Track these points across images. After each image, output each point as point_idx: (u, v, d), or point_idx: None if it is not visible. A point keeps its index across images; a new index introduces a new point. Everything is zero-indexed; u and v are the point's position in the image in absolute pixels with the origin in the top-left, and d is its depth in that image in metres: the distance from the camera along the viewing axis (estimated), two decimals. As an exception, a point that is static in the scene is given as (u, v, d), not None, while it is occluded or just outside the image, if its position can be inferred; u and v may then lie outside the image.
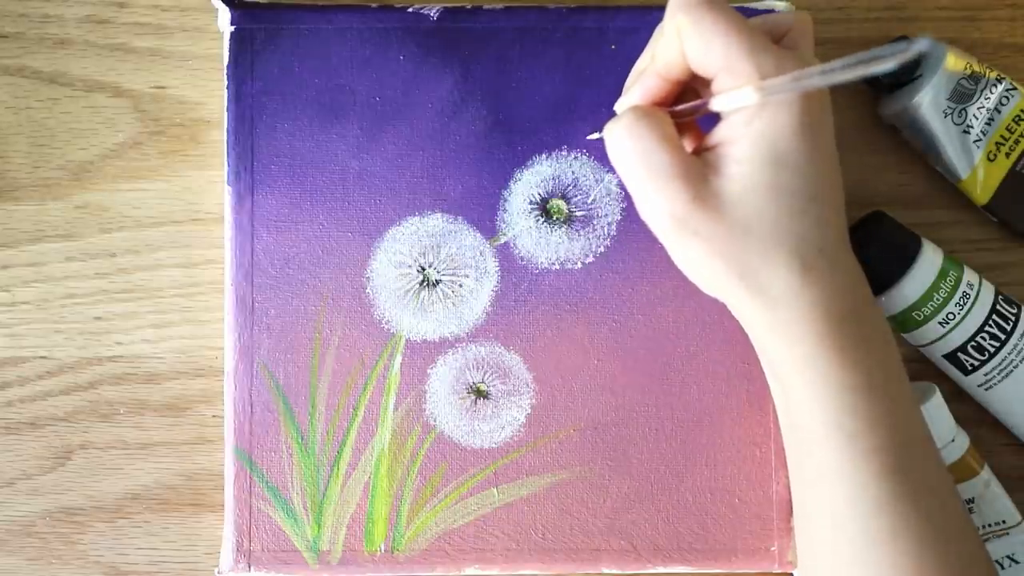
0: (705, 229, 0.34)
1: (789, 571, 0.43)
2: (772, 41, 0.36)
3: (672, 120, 0.36)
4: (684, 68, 0.35)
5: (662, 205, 0.35)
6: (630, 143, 0.35)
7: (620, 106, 0.37)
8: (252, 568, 0.42)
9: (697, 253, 0.35)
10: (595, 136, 0.43)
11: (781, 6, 0.43)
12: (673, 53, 0.35)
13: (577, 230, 0.43)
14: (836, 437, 0.35)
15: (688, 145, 0.39)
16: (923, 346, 0.44)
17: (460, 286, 0.43)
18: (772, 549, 0.42)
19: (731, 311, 0.37)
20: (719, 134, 0.35)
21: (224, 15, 0.43)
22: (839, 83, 0.31)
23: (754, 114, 0.33)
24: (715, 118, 0.35)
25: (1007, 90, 0.44)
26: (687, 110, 0.36)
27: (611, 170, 0.43)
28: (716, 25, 0.33)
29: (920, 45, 0.29)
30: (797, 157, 0.34)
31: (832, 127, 0.35)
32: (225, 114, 0.43)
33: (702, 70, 0.35)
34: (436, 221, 0.43)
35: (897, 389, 0.35)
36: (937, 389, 0.43)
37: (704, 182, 0.34)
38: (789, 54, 0.33)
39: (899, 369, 0.36)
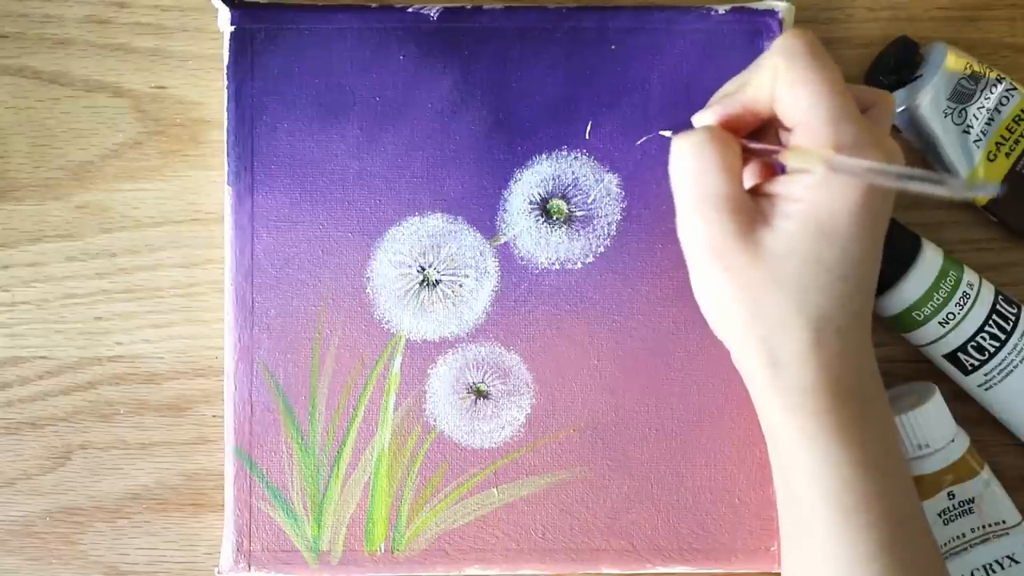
0: (737, 268, 0.34)
1: (789, 571, 0.43)
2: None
3: (742, 152, 0.36)
4: (769, 107, 0.35)
5: (703, 230, 0.35)
6: (692, 162, 0.35)
7: (698, 120, 0.37)
8: (252, 568, 0.42)
9: (722, 288, 0.35)
10: (667, 134, 0.42)
11: (781, 6, 0.43)
12: (763, 90, 0.35)
13: (577, 230, 0.43)
14: (832, 511, 0.35)
15: (752, 179, 0.39)
16: (923, 346, 0.44)
17: (460, 286, 0.43)
18: (772, 549, 0.42)
19: (734, 359, 0.37)
20: (780, 186, 0.35)
21: (224, 15, 0.43)
22: (902, 188, 0.31)
23: (819, 182, 0.33)
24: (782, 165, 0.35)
25: (1007, 90, 0.44)
26: (759, 150, 0.36)
27: (611, 170, 0.43)
28: (810, 79, 0.33)
29: (991, 189, 0.30)
30: (845, 237, 0.33)
31: (889, 215, 0.35)
32: (225, 114, 0.43)
33: (784, 118, 0.35)
34: (436, 221, 0.43)
35: (894, 465, 0.36)
36: (937, 389, 0.43)
37: (751, 224, 0.34)
38: (869, 135, 0.33)
39: (896, 444, 0.36)
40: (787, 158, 0.34)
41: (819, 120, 0.33)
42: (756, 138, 0.37)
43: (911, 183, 0.31)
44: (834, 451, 0.34)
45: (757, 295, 0.34)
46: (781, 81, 0.34)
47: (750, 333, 0.35)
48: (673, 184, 0.36)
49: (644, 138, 0.42)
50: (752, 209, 0.35)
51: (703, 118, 0.37)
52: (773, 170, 0.39)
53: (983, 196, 0.31)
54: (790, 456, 0.35)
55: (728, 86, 0.38)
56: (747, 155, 0.36)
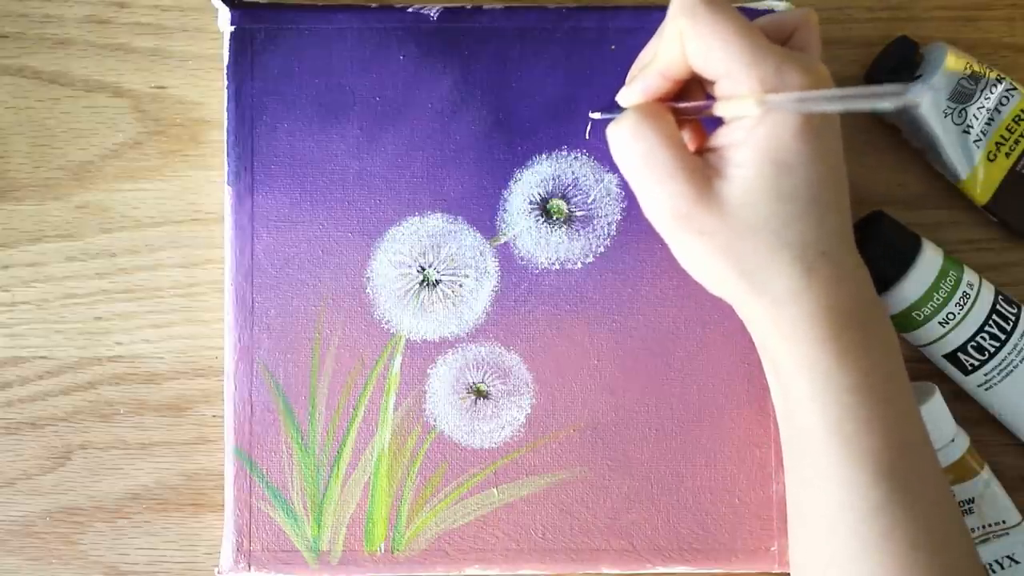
0: (709, 228, 0.34)
1: (789, 571, 0.43)
2: (779, 40, 0.36)
3: (674, 117, 0.36)
4: (686, 69, 0.35)
5: (666, 203, 0.35)
6: (634, 145, 0.35)
7: (622, 98, 0.37)
8: (252, 568, 0.42)
9: (701, 251, 0.35)
10: (596, 116, 0.42)
11: (781, 6, 0.43)
12: (674, 55, 0.35)
13: (577, 230, 0.43)
14: (834, 438, 0.35)
15: (690, 143, 0.39)
16: (923, 346, 0.44)
17: (460, 286, 0.43)
18: (772, 549, 0.43)
19: (735, 309, 0.37)
20: (722, 137, 0.35)
21: (224, 15, 0.43)
22: (838, 110, 0.31)
23: (757, 121, 0.34)
24: (718, 118, 0.35)
25: (1007, 90, 0.44)
26: (690, 109, 0.36)
27: (611, 170, 0.43)
28: (716, 30, 0.33)
29: (918, 94, 0.30)
30: (798, 161, 0.34)
31: (837, 127, 0.35)
32: (225, 114, 0.43)
33: (704, 73, 0.35)
34: (436, 221, 0.43)
35: (896, 390, 0.35)
36: (937, 389, 0.43)
37: (707, 182, 0.34)
38: (791, 61, 0.33)
39: (899, 369, 0.36)
40: (720, 110, 0.35)
41: (737, 65, 0.33)
42: (683, 98, 0.37)
43: (846, 103, 0.31)
44: (835, 376, 0.34)
45: (736, 247, 0.34)
46: (689, 40, 0.34)
47: (741, 283, 0.35)
48: (623, 170, 0.36)
49: (594, 113, 0.42)
50: (704, 168, 0.35)
51: (628, 97, 0.37)
52: (702, 126, 0.39)
53: (913, 101, 0.30)
54: (792, 386, 0.36)
55: (641, 58, 0.38)
56: (681, 118, 0.37)
